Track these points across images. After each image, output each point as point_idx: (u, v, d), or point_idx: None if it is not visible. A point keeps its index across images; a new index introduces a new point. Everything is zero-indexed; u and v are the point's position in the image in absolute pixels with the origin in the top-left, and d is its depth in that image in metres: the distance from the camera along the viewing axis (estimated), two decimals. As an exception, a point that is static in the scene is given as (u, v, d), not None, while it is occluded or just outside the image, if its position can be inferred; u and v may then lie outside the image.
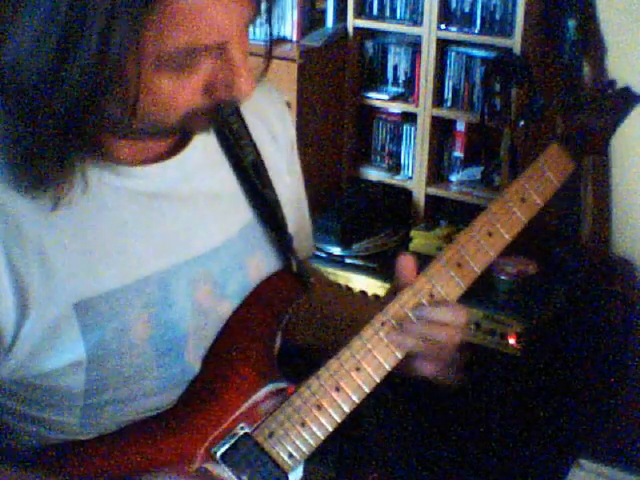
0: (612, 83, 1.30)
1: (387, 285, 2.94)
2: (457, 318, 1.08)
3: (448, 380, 1.11)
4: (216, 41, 0.87)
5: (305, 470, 1.13)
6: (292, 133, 1.22)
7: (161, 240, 1.01)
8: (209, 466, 1.02)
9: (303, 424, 1.04)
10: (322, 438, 1.06)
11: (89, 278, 0.96)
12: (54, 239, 0.94)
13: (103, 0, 0.80)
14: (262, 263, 1.11)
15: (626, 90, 1.27)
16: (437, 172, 2.98)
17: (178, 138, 1.05)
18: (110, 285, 0.97)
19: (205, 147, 1.07)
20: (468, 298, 2.81)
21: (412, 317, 1.06)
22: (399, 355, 1.06)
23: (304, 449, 1.05)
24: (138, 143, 1.00)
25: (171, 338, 1.02)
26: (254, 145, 1.12)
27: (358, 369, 1.05)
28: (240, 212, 1.10)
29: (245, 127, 1.13)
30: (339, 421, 1.06)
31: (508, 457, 2.48)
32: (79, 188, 0.94)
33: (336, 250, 2.76)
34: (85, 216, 0.96)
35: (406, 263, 1.09)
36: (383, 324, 1.06)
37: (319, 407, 1.05)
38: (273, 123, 1.17)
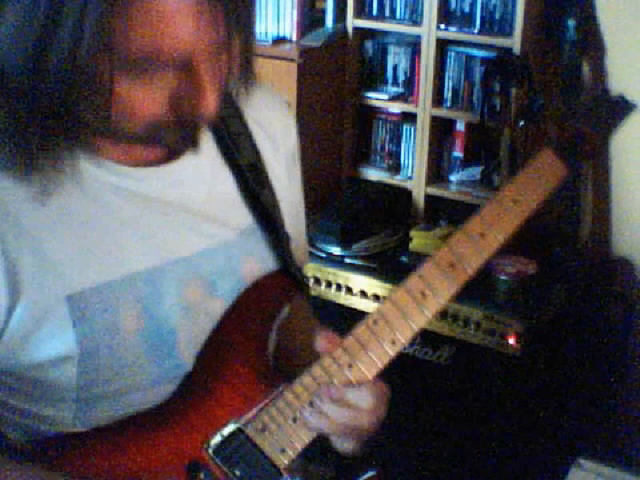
0: (606, 91, 1.31)
1: (387, 285, 2.92)
2: (372, 400, 1.04)
3: (355, 453, 1.09)
4: (180, 52, 0.88)
5: (305, 470, 1.13)
6: (294, 144, 1.23)
7: (153, 239, 1.04)
8: (202, 460, 1.03)
9: (295, 419, 1.04)
10: (314, 434, 1.05)
11: (81, 271, 0.98)
12: (49, 231, 0.97)
13: None
14: (257, 266, 1.12)
15: (621, 98, 1.28)
16: (437, 172, 2.98)
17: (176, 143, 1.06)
18: (101, 279, 1.00)
19: (204, 151, 1.08)
20: (468, 298, 2.80)
21: (325, 396, 1.03)
22: (391, 352, 1.06)
23: (296, 445, 1.05)
24: (134, 146, 1.03)
25: (161, 333, 1.04)
26: (254, 147, 1.14)
27: (350, 366, 1.05)
28: (239, 215, 1.12)
29: (246, 130, 1.14)
30: None
31: (508, 457, 2.48)
32: (72, 182, 0.98)
33: (336, 250, 2.76)
34: (81, 211, 0.99)
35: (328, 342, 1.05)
36: (375, 322, 1.05)
37: (311, 403, 1.04)
38: (275, 130, 1.19)
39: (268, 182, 1.15)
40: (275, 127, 1.19)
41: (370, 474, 1.13)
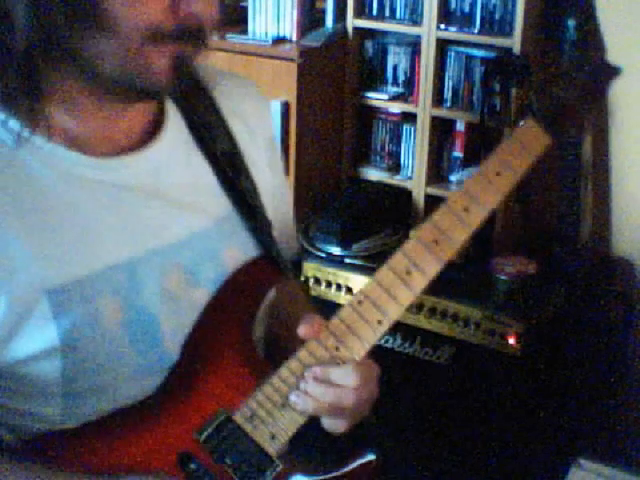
0: (588, 57, 1.29)
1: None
2: (358, 379, 1.04)
3: (346, 432, 1.09)
4: None
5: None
6: (271, 129, 1.24)
7: (130, 230, 1.03)
8: (193, 451, 1.03)
9: (283, 405, 1.04)
10: (303, 418, 1.05)
11: (59, 266, 0.98)
12: (23, 227, 0.97)
13: None
14: (239, 252, 1.12)
15: (603, 63, 1.27)
16: (437, 172, 2.98)
17: (149, 129, 1.07)
18: (79, 272, 0.99)
19: (177, 140, 1.09)
20: (468, 298, 2.80)
21: (310, 372, 1.04)
22: (378, 333, 1.06)
23: (286, 430, 1.05)
24: (109, 128, 1.02)
25: (143, 324, 1.03)
26: (229, 136, 1.14)
27: (337, 348, 1.05)
28: (217, 203, 1.12)
29: (220, 119, 1.15)
30: None
31: (508, 457, 2.48)
32: (45, 176, 0.98)
33: (336, 250, 2.76)
34: (56, 205, 0.99)
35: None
36: (360, 302, 1.05)
37: (298, 388, 1.04)
38: (249, 118, 1.19)
39: (245, 169, 1.15)
40: (250, 114, 1.20)
41: (369, 457, 1.12)
